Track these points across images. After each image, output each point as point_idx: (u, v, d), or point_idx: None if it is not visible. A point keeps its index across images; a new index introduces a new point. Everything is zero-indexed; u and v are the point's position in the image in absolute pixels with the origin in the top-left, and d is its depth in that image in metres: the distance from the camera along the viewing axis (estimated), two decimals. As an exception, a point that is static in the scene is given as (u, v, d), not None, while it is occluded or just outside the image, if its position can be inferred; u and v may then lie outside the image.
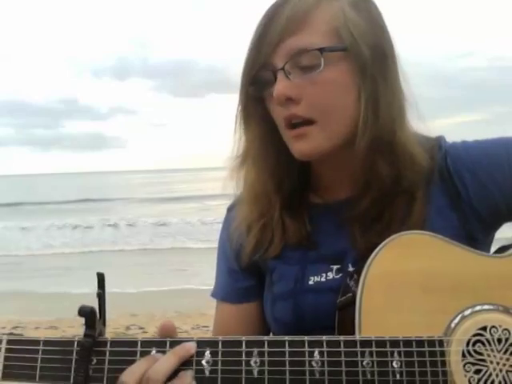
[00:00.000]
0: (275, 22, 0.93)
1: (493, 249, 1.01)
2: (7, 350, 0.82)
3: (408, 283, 0.88)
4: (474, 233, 0.99)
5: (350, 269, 0.98)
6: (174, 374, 0.81)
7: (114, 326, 6.38)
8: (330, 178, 1.05)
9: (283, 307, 1.02)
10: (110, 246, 14.23)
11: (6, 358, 0.82)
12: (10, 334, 6.01)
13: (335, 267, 1.00)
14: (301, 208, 1.06)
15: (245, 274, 1.10)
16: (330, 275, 1.00)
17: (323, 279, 1.00)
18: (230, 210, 1.16)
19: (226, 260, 1.13)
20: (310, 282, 1.00)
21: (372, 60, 0.94)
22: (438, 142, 1.03)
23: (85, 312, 0.80)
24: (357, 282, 0.90)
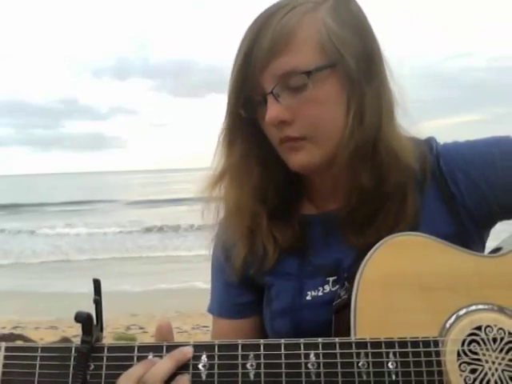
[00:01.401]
0: (259, 44, 0.92)
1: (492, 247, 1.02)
2: (6, 357, 0.83)
3: (402, 284, 0.88)
4: (467, 233, 0.99)
5: (345, 275, 0.98)
6: (171, 378, 0.81)
7: (114, 326, 6.39)
8: (321, 189, 1.05)
9: (282, 323, 1.02)
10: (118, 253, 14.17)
11: (5, 365, 0.82)
12: (10, 334, 6.01)
13: (331, 279, 1.00)
14: (289, 216, 1.05)
15: (241, 289, 1.09)
16: (327, 288, 1.00)
17: (320, 293, 1.00)
18: (220, 224, 1.13)
19: (221, 275, 1.11)
20: (308, 298, 1.00)
21: (358, 68, 0.94)
22: (429, 143, 1.03)
23: (81, 318, 0.81)
24: (348, 289, 0.91)
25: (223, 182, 1.05)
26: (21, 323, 6.85)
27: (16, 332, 6.24)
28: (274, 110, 0.94)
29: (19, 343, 0.84)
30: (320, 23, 0.94)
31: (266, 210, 1.03)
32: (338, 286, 0.98)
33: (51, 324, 6.79)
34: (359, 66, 0.94)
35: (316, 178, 1.04)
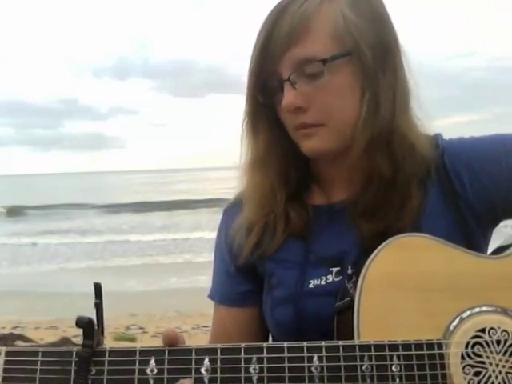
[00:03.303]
0: (278, 31, 0.94)
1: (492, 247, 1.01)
2: (6, 362, 0.82)
3: (406, 285, 0.88)
4: (471, 231, 0.99)
5: (350, 271, 0.98)
6: (174, 382, 0.81)
7: (114, 326, 6.40)
8: (331, 178, 1.06)
9: (283, 312, 1.01)
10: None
11: (5, 370, 0.82)
12: (10, 334, 6.01)
13: (335, 269, 1.00)
14: (304, 202, 1.06)
15: (242, 278, 1.10)
16: (330, 278, 1.00)
17: (323, 282, 1.00)
18: (226, 212, 1.15)
19: (222, 262, 1.13)
20: (310, 286, 1.00)
21: (374, 59, 0.96)
22: (435, 139, 1.03)
23: (82, 323, 0.80)
24: (355, 284, 0.90)
25: (254, 167, 1.07)
26: (21, 323, 6.85)
27: (16, 332, 6.24)
28: (290, 97, 0.96)
29: (19, 347, 0.83)
30: (338, 12, 0.95)
31: (285, 193, 1.05)
32: (341, 277, 0.98)
33: (51, 324, 6.79)
34: (375, 56, 0.96)
35: (330, 168, 1.05)
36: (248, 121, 1.05)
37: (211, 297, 1.16)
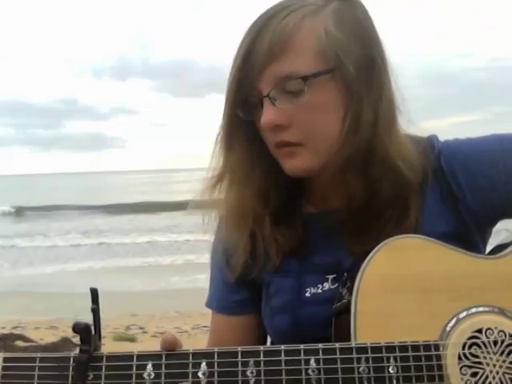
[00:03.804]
0: (258, 47, 0.91)
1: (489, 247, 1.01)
2: (3, 368, 0.82)
3: (403, 287, 0.88)
4: (469, 233, 0.99)
5: (345, 276, 0.97)
6: None
7: (114, 326, 6.39)
8: (322, 189, 1.04)
9: (281, 320, 1.02)
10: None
11: (3, 376, 0.82)
12: (10, 334, 6.01)
13: (331, 277, 1.00)
14: (292, 217, 1.04)
15: (238, 287, 1.09)
16: (327, 286, 0.99)
17: (320, 290, 1.00)
18: (221, 219, 1.12)
19: (219, 271, 1.12)
20: (307, 294, 1.00)
21: (358, 76, 0.92)
22: (431, 141, 1.02)
23: (79, 328, 0.80)
24: (351, 288, 0.90)
25: (222, 183, 1.04)
26: (21, 323, 6.85)
27: (16, 332, 6.23)
28: (269, 114, 0.93)
29: (17, 354, 0.83)
30: (320, 28, 0.92)
31: (268, 213, 1.02)
32: (337, 284, 0.98)
33: (51, 324, 6.79)
34: (359, 73, 0.92)
35: (315, 180, 1.03)
36: (224, 135, 1.01)
37: (208, 305, 1.15)
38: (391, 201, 0.96)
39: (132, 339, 6.02)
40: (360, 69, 0.93)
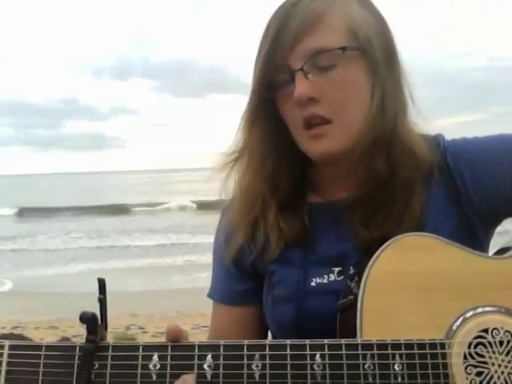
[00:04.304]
0: (289, 24, 0.94)
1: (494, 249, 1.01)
2: (10, 356, 0.82)
3: (410, 285, 0.88)
4: (474, 230, 0.99)
5: (352, 271, 0.98)
6: (177, 378, 0.81)
7: (114, 326, 6.38)
8: (330, 177, 1.05)
9: (285, 310, 1.01)
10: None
11: (9, 364, 0.82)
12: (10, 334, 6.00)
13: (337, 269, 1.00)
14: (298, 206, 1.05)
15: (241, 277, 1.09)
16: (332, 277, 0.99)
17: (325, 281, 0.99)
18: (224, 211, 1.14)
19: (221, 261, 1.12)
20: (313, 284, 1.00)
21: (383, 58, 0.96)
22: (437, 139, 1.04)
23: (86, 318, 0.80)
24: (358, 283, 0.90)
25: (241, 161, 1.06)
26: (21, 323, 6.84)
27: (16, 332, 6.23)
28: (303, 86, 0.94)
29: (23, 341, 0.83)
30: (353, 9, 0.97)
31: (276, 199, 1.04)
32: (342, 277, 0.98)
33: (51, 324, 6.78)
34: (384, 56, 0.97)
35: (328, 168, 1.04)
36: (248, 113, 1.03)
37: (210, 296, 1.15)
38: (405, 183, 0.98)
39: (132, 339, 6.01)
40: (384, 52, 0.97)
